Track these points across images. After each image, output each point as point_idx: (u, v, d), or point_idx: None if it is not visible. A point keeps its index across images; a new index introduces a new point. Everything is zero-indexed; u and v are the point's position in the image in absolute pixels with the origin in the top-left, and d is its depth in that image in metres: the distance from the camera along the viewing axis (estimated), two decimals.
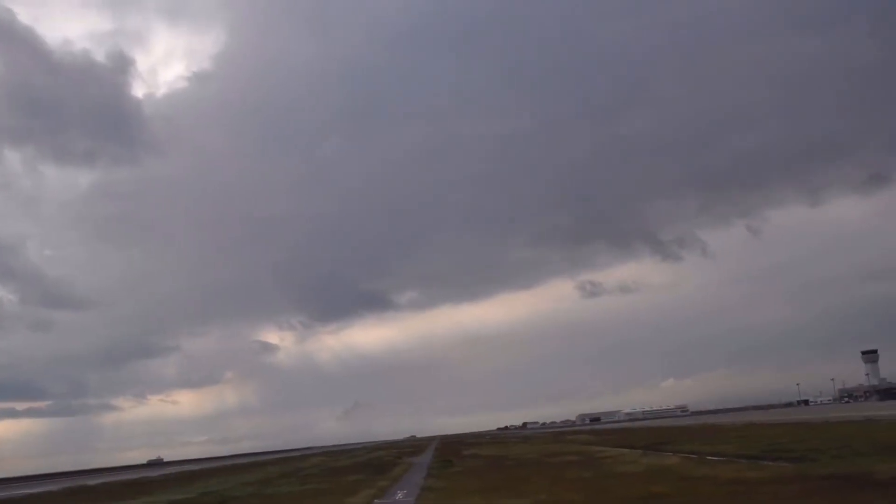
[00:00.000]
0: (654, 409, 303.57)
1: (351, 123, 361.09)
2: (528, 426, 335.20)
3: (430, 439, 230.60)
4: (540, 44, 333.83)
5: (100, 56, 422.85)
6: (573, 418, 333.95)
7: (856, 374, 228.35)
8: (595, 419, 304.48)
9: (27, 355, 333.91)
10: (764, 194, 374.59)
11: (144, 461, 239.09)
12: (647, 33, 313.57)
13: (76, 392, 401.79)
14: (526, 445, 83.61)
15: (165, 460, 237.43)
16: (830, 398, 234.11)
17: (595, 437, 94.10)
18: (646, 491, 23.95)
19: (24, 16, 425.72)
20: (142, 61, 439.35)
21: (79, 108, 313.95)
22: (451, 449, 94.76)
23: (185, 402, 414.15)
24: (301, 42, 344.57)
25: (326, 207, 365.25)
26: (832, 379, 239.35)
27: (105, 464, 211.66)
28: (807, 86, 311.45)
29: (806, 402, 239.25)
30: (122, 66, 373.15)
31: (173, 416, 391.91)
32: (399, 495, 32.57)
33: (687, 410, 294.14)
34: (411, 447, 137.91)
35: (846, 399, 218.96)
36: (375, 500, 30.82)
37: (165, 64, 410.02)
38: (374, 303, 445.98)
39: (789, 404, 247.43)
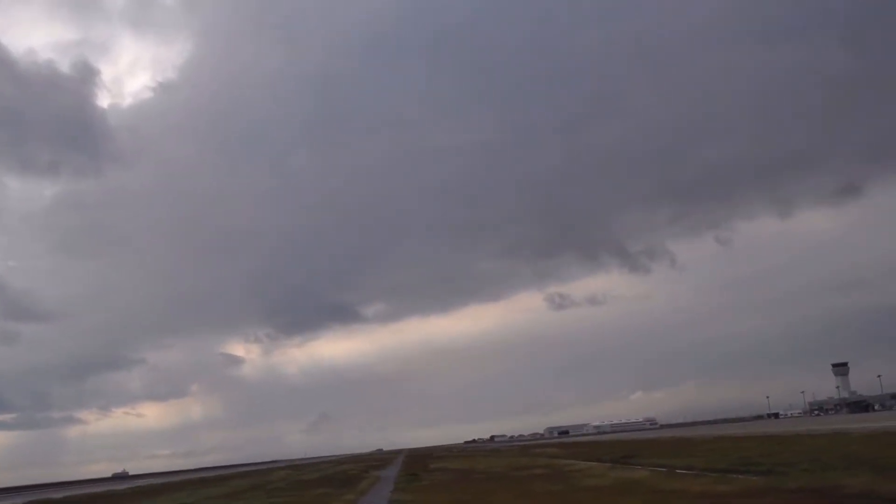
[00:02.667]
0: (623, 421, 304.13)
1: (319, 134, 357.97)
2: (496, 439, 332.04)
3: (397, 452, 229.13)
4: (510, 55, 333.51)
5: (64, 66, 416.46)
6: (541, 431, 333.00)
7: (826, 386, 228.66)
8: (563, 432, 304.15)
9: None
10: (733, 205, 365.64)
11: (109, 474, 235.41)
12: (618, 44, 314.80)
13: (40, 405, 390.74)
14: (493, 459, 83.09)
15: (131, 473, 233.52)
16: (801, 411, 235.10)
17: (563, 450, 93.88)
18: None
19: None
20: (107, 71, 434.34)
21: (43, 118, 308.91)
22: (418, 462, 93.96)
23: (151, 415, 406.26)
24: (269, 52, 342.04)
25: (293, 219, 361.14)
26: (802, 392, 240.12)
27: (70, 477, 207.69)
28: (777, 96, 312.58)
29: (776, 415, 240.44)
30: (86, 76, 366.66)
31: (138, 429, 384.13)
32: None
33: (656, 423, 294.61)
34: (378, 461, 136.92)
35: (816, 412, 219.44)
36: None
37: (131, 74, 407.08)
38: (341, 315, 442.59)
39: (759, 417, 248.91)
